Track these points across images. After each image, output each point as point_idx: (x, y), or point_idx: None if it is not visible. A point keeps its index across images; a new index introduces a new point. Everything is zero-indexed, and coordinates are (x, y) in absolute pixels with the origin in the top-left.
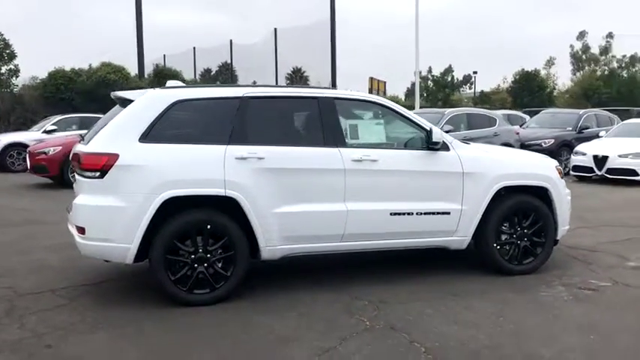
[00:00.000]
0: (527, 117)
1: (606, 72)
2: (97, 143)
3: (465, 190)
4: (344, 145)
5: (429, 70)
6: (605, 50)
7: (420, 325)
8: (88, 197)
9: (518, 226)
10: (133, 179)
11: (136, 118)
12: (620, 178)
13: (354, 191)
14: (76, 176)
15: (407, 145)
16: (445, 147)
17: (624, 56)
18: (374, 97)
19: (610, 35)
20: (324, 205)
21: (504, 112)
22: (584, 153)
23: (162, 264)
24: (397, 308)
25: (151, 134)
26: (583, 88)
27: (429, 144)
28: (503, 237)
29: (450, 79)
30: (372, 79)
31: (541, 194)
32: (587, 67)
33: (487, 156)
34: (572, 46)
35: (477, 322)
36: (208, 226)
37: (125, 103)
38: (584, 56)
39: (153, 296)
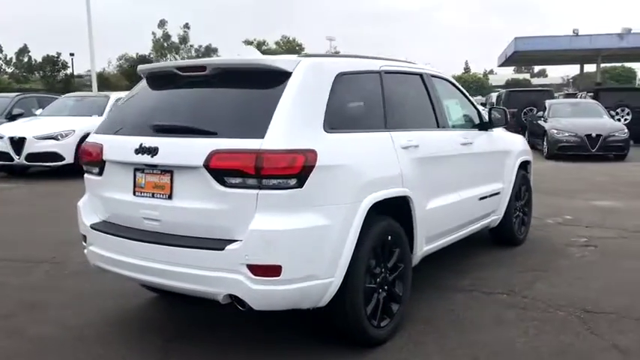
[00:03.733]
0: None
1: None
2: (282, 136)
3: (505, 168)
4: (448, 127)
5: None
6: (184, 39)
7: (603, 305)
8: (280, 218)
9: (520, 199)
10: (334, 184)
11: (310, 98)
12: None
13: (462, 177)
14: (225, 189)
15: (473, 126)
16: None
17: (200, 46)
18: (447, 75)
19: (187, 26)
20: (451, 196)
21: None
22: (1, 136)
23: (362, 296)
24: (545, 295)
25: (328, 120)
26: None
27: (500, 124)
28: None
29: (26, 60)
30: None
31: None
32: (169, 55)
33: (509, 135)
34: (154, 34)
35: (600, 287)
36: (389, 237)
37: (255, 76)
38: (165, 44)
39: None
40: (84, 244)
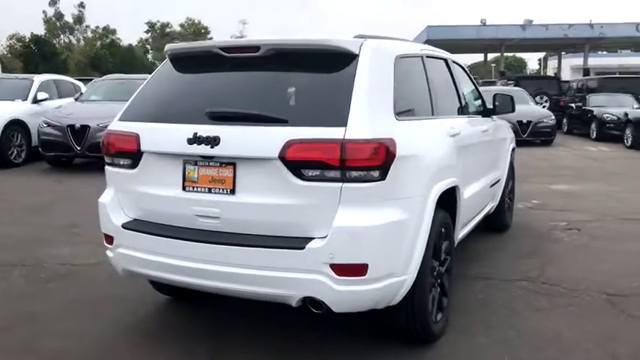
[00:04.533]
0: (81, 84)
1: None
2: (366, 124)
3: (502, 155)
4: (468, 113)
5: None
6: (79, 19)
7: (620, 287)
8: (365, 213)
9: (508, 186)
10: (410, 176)
11: (381, 82)
12: None
13: (482, 165)
14: (303, 182)
15: (478, 113)
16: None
17: (97, 27)
18: (459, 61)
19: (82, 5)
20: (477, 184)
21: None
22: None
23: (429, 292)
24: (561, 280)
25: (395, 107)
26: (89, 56)
27: (506, 112)
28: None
29: None
30: None
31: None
32: (62, 36)
33: (503, 122)
34: (45, 12)
35: (607, 270)
36: (443, 230)
37: (314, 58)
38: (58, 23)
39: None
40: (108, 245)
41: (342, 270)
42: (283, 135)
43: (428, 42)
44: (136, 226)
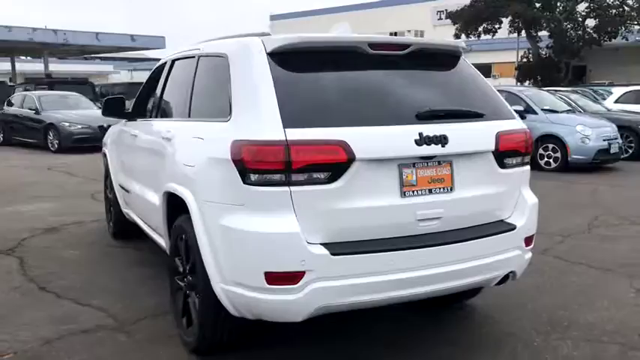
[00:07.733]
0: None
1: None
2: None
3: None
4: None
5: None
6: None
7: None
8: (530, 191)
9: None
10: None
11: None
12: None
13: None
14: (503, 170)
15: None
16: None
17: None
18: None
19: None
20: None
21: None
22: None
23: None
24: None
25: None
26: None
27: None
28: None
29: None
30: None
31: None
32: None
33: None
34: None
35: None
36: None
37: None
38: None
39: None
40: (281, 287)
41: (528, 240)
42: (494, 129)
43: None
44: (344, 249)
